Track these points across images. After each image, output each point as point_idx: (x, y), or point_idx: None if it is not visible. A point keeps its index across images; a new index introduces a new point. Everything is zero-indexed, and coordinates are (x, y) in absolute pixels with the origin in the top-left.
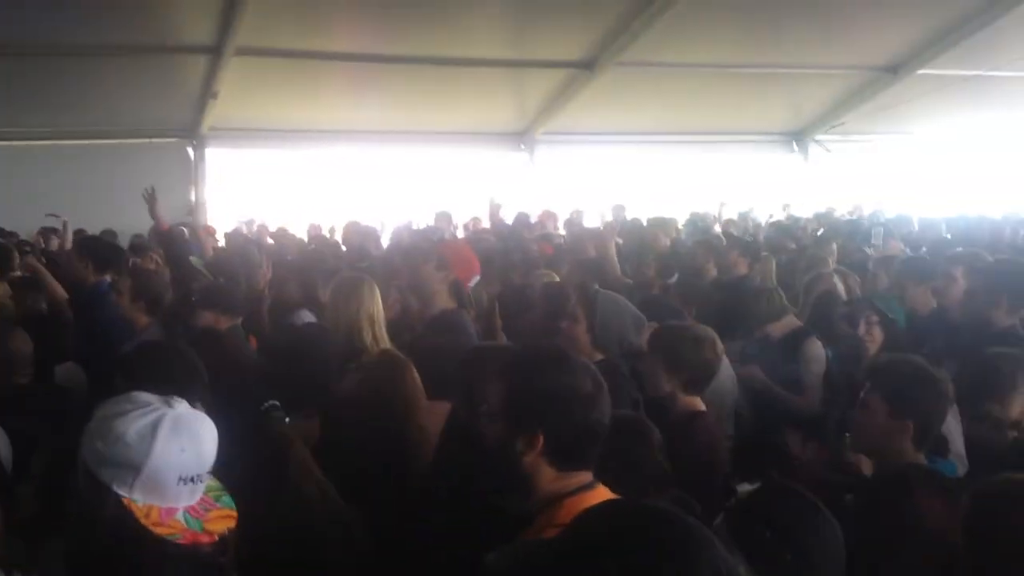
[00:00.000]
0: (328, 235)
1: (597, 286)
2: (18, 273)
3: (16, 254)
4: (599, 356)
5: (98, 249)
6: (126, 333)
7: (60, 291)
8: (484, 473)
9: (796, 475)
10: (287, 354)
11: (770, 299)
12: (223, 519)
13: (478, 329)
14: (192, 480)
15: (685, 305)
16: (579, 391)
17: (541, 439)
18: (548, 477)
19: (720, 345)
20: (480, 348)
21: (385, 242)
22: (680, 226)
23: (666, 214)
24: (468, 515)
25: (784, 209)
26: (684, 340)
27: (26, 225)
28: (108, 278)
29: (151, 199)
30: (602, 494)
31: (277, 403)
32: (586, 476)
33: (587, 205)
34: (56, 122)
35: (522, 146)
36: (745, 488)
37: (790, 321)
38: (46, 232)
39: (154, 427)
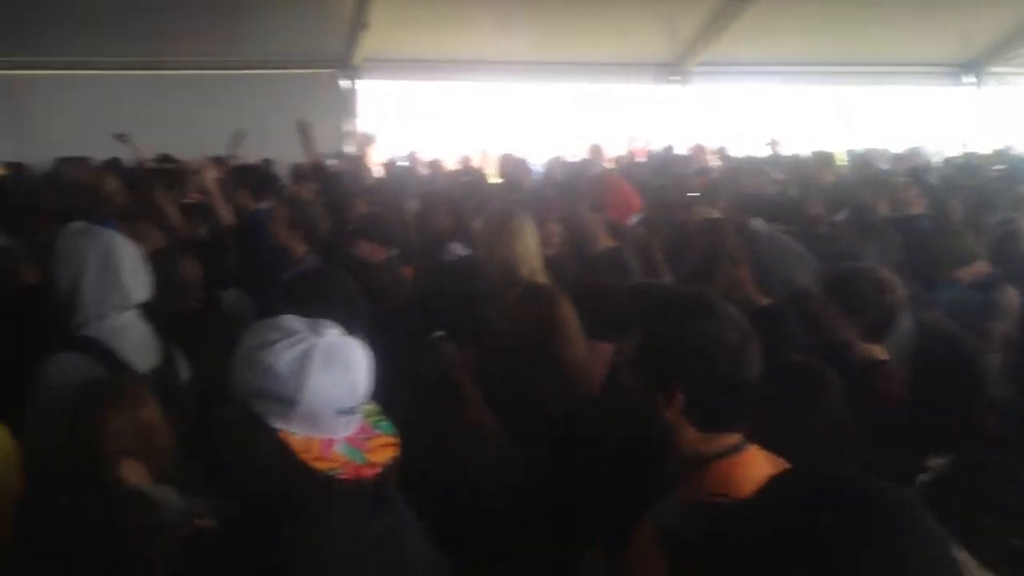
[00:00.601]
0: (479, 166)
1: (759, 223)
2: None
3: (187, 179)
4: (764, 300)
5: (255, 177)
6: (284, 261)
7: (228, 217)
8: (627, 423)
9: (991, 439)
10: (443, 287)
11: (958, 241)
12: (385, 448)
13: (640, 267)
14: (349, 411)
15: (857, 245)
16: (722, 343)
17: (680, 397)
18: (691, 436)
19: (903, 290)
20: (635, 288)
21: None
22: (843, 161)
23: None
24: (627, 464)
25: (963, 147)
26: (863, 283)
27: (181, 154)
28: (266, 206)
29: (306, 132)
30: (754, 455)
31: (444, 334)
32: (735, 437)
33: (742, 139)
34: (210, 53)
35: (676, 78)
36: (938, 463)
37: (981, 266)
38: (213, 161)
39: (304, 359)
